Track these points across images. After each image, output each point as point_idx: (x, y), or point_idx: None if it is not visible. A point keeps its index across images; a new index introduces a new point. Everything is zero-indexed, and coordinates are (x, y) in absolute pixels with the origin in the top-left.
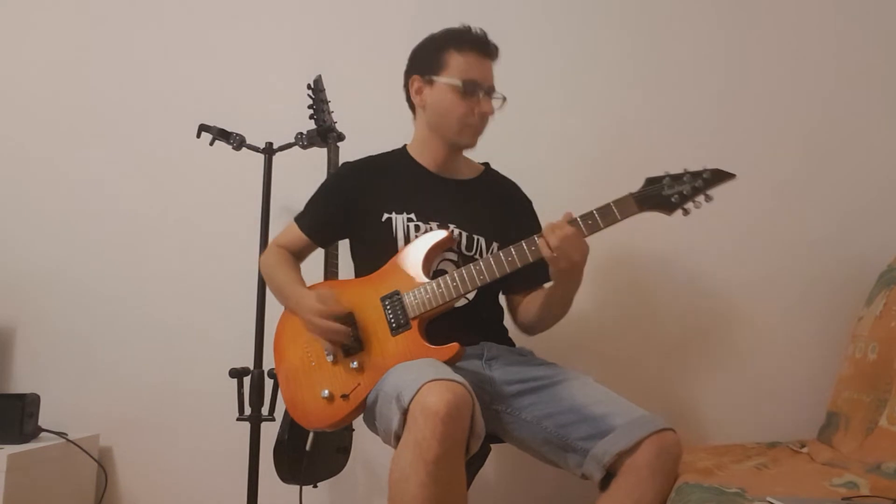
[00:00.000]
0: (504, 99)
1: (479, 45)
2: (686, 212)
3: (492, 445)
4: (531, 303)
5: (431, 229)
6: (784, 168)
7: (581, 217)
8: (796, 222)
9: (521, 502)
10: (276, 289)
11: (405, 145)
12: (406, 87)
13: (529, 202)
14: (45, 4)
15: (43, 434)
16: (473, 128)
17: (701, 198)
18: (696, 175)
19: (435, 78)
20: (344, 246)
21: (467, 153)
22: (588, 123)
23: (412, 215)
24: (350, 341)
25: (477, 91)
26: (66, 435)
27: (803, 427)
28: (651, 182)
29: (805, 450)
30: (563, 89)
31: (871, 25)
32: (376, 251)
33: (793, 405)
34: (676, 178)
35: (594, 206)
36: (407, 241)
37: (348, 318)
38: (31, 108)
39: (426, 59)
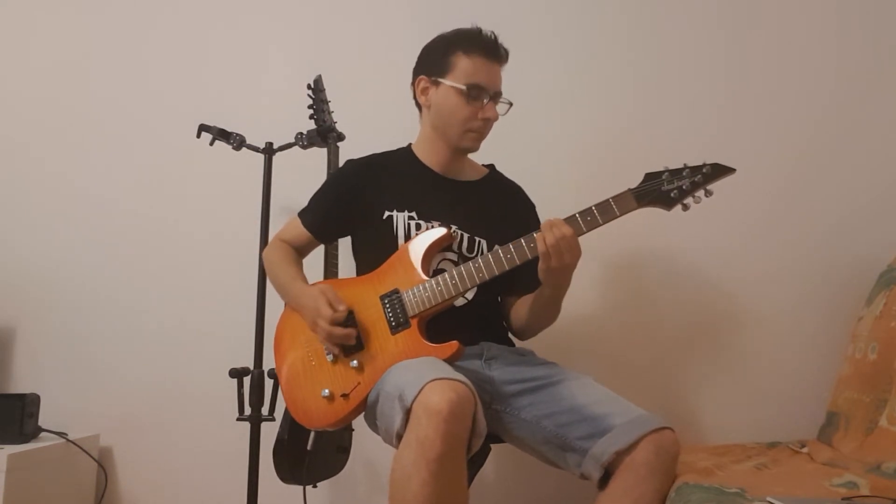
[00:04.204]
0: (510, 104)
1: (487, 49)
2: (685, 207)
3: (492, 445)
4: (521, 306)
5: (432, 227)
6: (784, 168)
7: (579, 213)
8: (796, 222)
9: (521, 502)
10: (277, 285)
11: (410, 144)
12: (413, 85)
13: (533, 206)
14: (46, 6)
15: (43, 434)
16: (476, 132)
17: (701, 193)
18: (695, 169)
19: (440, 80)
20: (344, 244)
21: (472, 155)
22: (588, 122)
23: (413, 213)
24: (353, 342)
25: (482, 96)
26: (66, 435)
27: (803, 427)
28: (650, 177)
29: (805, 450)
30: (563, 88)
31: (871, 25)
32: (377, 249)
33: (793, 405)
34: (675, 173)
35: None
36: (407, 239)
37: (351, 319)
38: (32, 109)
39: (433, 60)
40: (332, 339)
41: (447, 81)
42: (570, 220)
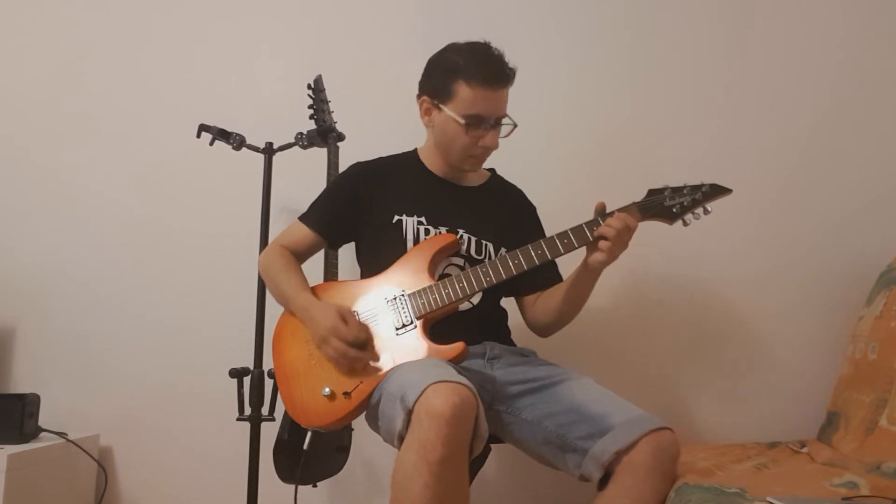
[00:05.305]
0: (514, 126)
1: (489, 78)
2: (686, 223)
3: (492, 445)
4: (549, 301)
5: (439, 232)
6: (784, 168)
7: (585, 224)
8: (796, 222)
9: (521, 502)
10: (278, 292)
11: (416, 149)
12: (417, 101)
13: (534, 208)
14: (45, 6)
15: (43, 434)
16: (476, 158)
17: (700, 210)
18: (695, 188)
19: (442, 106)
20: (343, 248)
21: None
22: (588, 125)
23: (422, 219)
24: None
25: (482, 125)
26: (66, 435)
27: (803, 427)
28: (653, 193)
29: (805, 450)
30: (563, 88)
31: (871, 25)
32: (385, 252)
33: (793, 405)
34: (677, 191)
35: (593, 208)
36: (416, 243)
37: (366, 342)
38: (32, 109)
39: (436, 83)
40: (345, 360)
41: (447, 110)
42: (575, 230)
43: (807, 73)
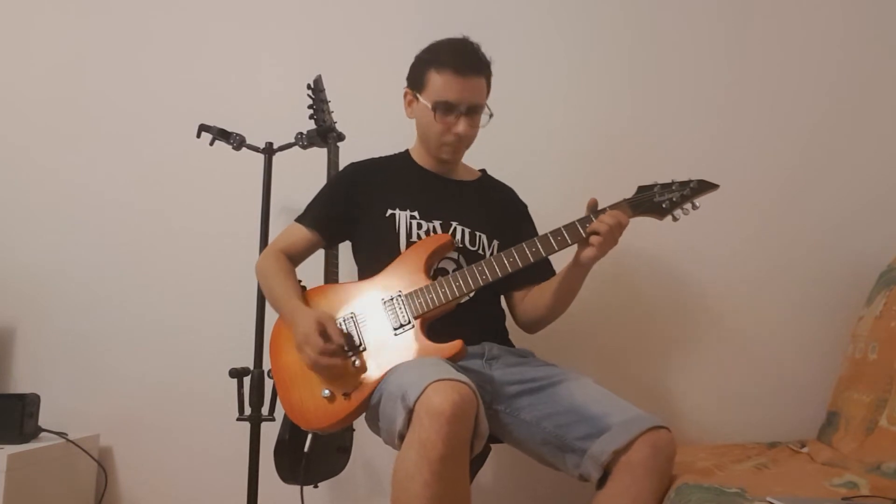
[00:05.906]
0: (491, 115)
1: (458, 65)
2: (675, 218)
3: (491, 445)
4: (538, 297)
5: (434, 228)
6: (784, 168)
7: (578, 220)
8: (796, 222)
9: (520, 502)
10: (272, 298)
11: (407, 149)
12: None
13: (525, 206)
14: (45, 6)
15: (43, 434)
16: (451, 146)
17: (689, 206)
18: (683, 184)
19: (418, 95)
20: (343, 249)
21: (466, 156)
22: (588, 125)
23: (415, 213)
24: (335, 372)
25: (452, 112)
26: (66, 435)
27: (803, 427)
28: (642, 189)
29: (805, 450)
30: (564, 90)
31: (871, 25)
32: (379, 248)
33: (793, 405)
34: (666, 187)
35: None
36: (409, 237)
37: (344, 350)
38: (31, 109)
39: (414, 74)
40: (316, 369)
41: (421, 98)
42: (568, 227)
43: (807, 73)
